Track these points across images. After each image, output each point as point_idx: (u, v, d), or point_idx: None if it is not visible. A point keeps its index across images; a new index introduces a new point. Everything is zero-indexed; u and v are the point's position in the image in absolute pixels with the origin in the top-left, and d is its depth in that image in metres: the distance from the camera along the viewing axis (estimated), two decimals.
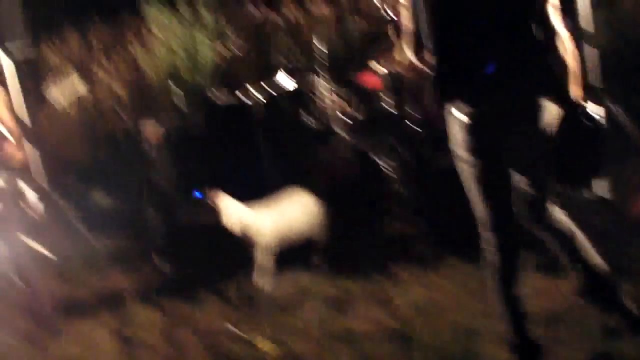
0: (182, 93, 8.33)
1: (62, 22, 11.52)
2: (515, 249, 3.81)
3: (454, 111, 3.61)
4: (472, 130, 3.57)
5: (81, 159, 10.48)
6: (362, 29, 10.13)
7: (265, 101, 7.04)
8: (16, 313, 5.84)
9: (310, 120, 6.65)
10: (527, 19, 3.56)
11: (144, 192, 7.56)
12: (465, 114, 3.56)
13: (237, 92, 7.94)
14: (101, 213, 8.99)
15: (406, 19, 3.64)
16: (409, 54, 3.73)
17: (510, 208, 3.76)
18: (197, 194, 5.60)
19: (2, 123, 5.36)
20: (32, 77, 10.53)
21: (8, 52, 7.63)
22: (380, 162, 6.11)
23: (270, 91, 7.05)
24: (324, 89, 6.48)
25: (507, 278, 3.77)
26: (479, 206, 3.76)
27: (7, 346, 5.45)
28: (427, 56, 3.62)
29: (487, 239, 3.78)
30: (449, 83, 3.62)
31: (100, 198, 9.35)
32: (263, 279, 5.58)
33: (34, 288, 5.58)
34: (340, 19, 10.83)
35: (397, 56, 4.78)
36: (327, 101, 6.50)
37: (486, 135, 3.60)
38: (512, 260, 3.79)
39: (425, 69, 3.65)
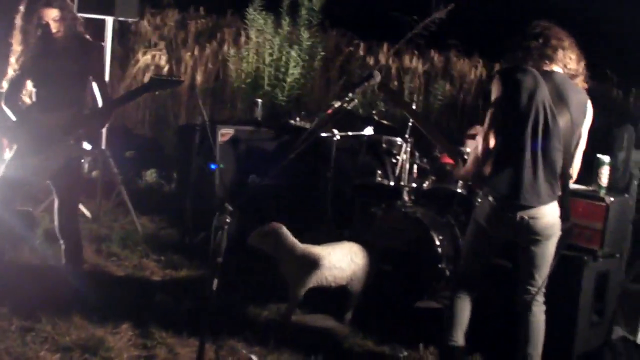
0: (260, 101, 8.38)
1: (166, 1, 11.76)
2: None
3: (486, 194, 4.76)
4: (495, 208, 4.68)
5: (143, 134, 10.66)
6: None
7: (338, 138, 7.05)
8: None
9: (380, 176, 6.67)
10: None
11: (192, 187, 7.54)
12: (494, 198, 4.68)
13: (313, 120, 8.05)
14: (149, 193, 9.11)
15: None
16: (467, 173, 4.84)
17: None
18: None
19: None
20: (125, 44, 10.81)
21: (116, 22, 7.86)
22: (435, 237, 6.11)
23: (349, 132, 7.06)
24: (405, 152, 6.51)
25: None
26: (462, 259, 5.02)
27: None
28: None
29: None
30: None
31: (151, 178, 9.47)
32: (292, 313, 5.68)
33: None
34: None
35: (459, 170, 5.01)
36: (404, 164, 6.52)
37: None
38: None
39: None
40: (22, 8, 5.35)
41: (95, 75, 5.54)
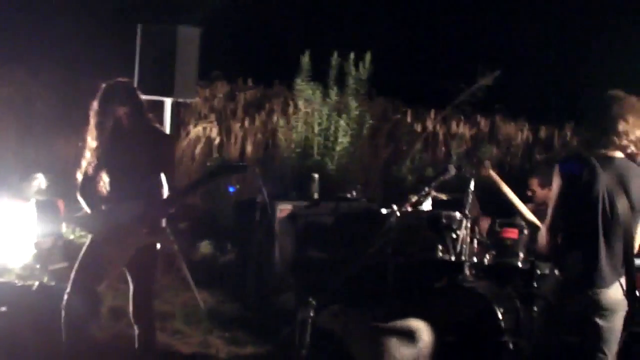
0: (316, 176, 8.52)
1: (215, 74, 11.99)
2: None
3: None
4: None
5: (194, 204, 10.77)
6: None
7: (398, 214, 7.08)
8: None
9: (442, 251, 6.73)
10: None
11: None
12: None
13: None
14: (204, 265, 9.18)
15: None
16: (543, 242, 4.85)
17: None
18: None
19: None
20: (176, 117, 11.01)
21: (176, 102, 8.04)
22: (497, 311, 6.16)
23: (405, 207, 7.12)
24: (465, 227, 6.58)
25: None
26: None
27: None
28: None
29: None
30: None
31: (206, 249, 9.55)
32: None
33: None
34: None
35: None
36: (464, 239, 6.59)
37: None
38: None
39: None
40: (95, 105, 5.52)
41: (165, 165, 5.68)
